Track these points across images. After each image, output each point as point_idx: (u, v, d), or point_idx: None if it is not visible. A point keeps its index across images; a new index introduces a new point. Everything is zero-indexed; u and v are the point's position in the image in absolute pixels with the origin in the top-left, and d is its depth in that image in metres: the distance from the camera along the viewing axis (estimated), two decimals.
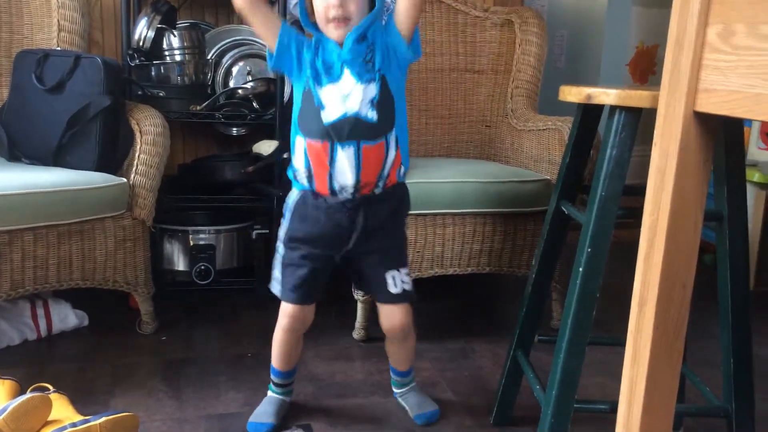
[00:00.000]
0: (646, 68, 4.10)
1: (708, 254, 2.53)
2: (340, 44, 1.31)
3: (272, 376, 1.55)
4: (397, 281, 1.44)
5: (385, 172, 1.36)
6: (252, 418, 1.50)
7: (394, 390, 1.62)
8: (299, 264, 1.42)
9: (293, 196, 1.42)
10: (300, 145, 1.36)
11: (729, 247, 1.15)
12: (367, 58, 1.31)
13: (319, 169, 1.35)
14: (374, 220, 1.38)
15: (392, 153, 1.36)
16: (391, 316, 1.47)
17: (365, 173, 1.33)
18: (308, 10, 1.35)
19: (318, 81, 1.33)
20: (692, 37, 0.85)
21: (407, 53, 1.34)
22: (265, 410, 1.52)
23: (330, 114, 1.32)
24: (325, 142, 1.32)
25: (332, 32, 1.31)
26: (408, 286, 1.46)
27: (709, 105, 0.83)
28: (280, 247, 1.44)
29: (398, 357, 1.58)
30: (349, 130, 1.31)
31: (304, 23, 1.37)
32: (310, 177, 1.36)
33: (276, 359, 1.52)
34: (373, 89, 1.31)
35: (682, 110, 0.86)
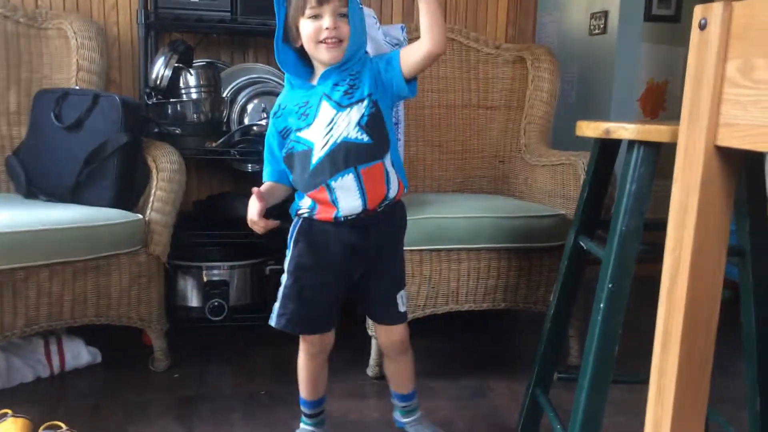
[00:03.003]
0: (657, 104, 4.11)
1: (724, 289, 2.50)
2: (328, 64, 1.31)
3: (301, 407, 1.54)
4: (404, 300, 1.47)
5: (390, 194, 1.36)
6: None
7: (401, 419, 1.60)
8: (308, 292, 1.40)
9: (296, 223, 1.41)
10: (305, 198, 1.38)
11: (753, 282, 1.13)
12: (348, 87, 1.31)
13: (324, 206, 1.35)
14: (382, 237, 1.40)
15: (392, 176, 1.36)
16: (393, 331, 1.49)
17: (371, 198, 1.34)
18: (292, 35, 1.33)
19: (298, 129, 1.35)
20: (711, 72, 0.85)
21: (404, 91, 1.34)
22: None
23: (320, 149, 1.32)
24: (321, 187, 1.33)
25: (323, 54, 1.30)
26: (405, 304, 1.49)
27: (730, 139, 0.83)
28: (284, 278, 1.42)
29: (400, 376, 1.57)
30: (344, 156, 1.31)
31: (280, 56, 1.35)
32: (313, 211, 1.37)
33: (301, 388, 1.52)
34: (357, 112, 1.31)
35: (703, 144, 0.86)
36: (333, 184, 1.32)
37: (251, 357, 2.10)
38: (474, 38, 2.45)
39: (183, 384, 1.88)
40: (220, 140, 2.23)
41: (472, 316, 2.05)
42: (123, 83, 2.45)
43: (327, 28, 1.27)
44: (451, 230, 1.87)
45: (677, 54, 4.07)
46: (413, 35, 2.39)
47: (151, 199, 1.90)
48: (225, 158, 2.33)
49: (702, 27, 0.86)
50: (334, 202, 1.33)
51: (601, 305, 1.09)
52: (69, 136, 1.92)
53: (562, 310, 1.40)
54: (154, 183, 1.91)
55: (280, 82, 2.41)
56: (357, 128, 1.31)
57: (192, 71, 2.22)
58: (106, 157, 1.87)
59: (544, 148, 2.28)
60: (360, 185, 1.32)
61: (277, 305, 1.43)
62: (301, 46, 1.32)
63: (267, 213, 1.34)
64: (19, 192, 2.01)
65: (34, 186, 1.97)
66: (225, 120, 2.34)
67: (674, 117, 3.94)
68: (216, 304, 2.16)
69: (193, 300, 2.22)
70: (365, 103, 1.32)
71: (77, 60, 2.16)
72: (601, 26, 3.94)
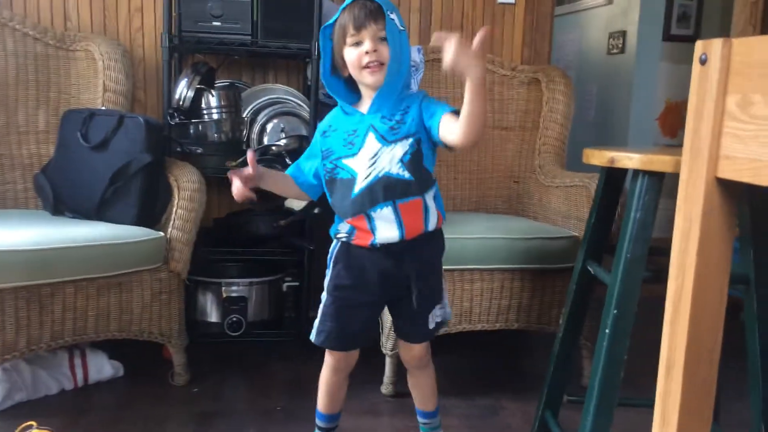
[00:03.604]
0: (675, 123, 4.11)
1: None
2: (374, 88, 1.36)
3: (316, 420, 1.58)
4: (436, 316, 1.47)
5: (429, 228, 1.39)
6: None
7: None
8: (345, 310, 1.45)
9: (335, 245, 1.47)
10: (344, 223, 1.42)
11: (757, 309, 1.14)
12: (395, 123, 1.35)
13: (361, 233, 1.40)
14: (417, 263, 1.42)
15: (432, 210, 1.39)
16: (414, 346, 1.51)
17: (409, 230, 1.37)
18: (339, 64, 1.39)
19: (344, 156, 1.39)
20: (712, 106, 0.87)
21: (439, 143, 1.36)
22: None
23: (362, 180, 1.36)
24: (360, 215, 1.38)
25: (367, 78, 1.35)
26: (440, 318, 1.49)
27: (730, 172, 0.85)
28: (324, 296, 1.48)
29: (422, 391, 1.59)
30: (383, 189, 1.35)
31: (327, 83, 1.40)
32: (350, 236, 1.41)
33: (319, 400, 1.55)
34: (401, 149, 1.35)
35: (704, 176, 0.88)
36: (372, 214, 1.37)
37: (268, 372, 2.13)
38: (490, 59, 2.49)
39: (201, 399, 1.93)
40: (240, 159, 2.28)
41: (486, 335, 2.07)
42: (148, 103, 2.52)
43: (367, 52, 1.32)
44: (465, 250, 1.90)
45: None
46: (429, 57, 2.44)
47: (173, 217, 1.95)
48: None
49: (702, 62, 0.89)
50: (372, 230, 1.38)
51: (607, 330, 1.11)
52: (95, 155, 1.99)
53: (572, 332, 1.42)
54: (176, 201, 1.97)
55: (300, 102, 2.47)
56: (399, 164, 1.35)
57: (213, 92, 2.28)
58: (130, 176, 1.93)
59: (559, 169, 2.30)
60: (398, 218, 1.37)
61: (317, 322, 1.48)
62: (349, 75, 1.38)
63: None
64: (46, 209, 2.08)
65: (60, 203, 2.03)
66: (245, 140, 2.39)
67: None
68: (234, 319, 2.21)
69: (212, 315, 2.27)
70: (410, 141, 1.35)
71: (104, 81, 2.23)
72: (620, 46, 3.96)
